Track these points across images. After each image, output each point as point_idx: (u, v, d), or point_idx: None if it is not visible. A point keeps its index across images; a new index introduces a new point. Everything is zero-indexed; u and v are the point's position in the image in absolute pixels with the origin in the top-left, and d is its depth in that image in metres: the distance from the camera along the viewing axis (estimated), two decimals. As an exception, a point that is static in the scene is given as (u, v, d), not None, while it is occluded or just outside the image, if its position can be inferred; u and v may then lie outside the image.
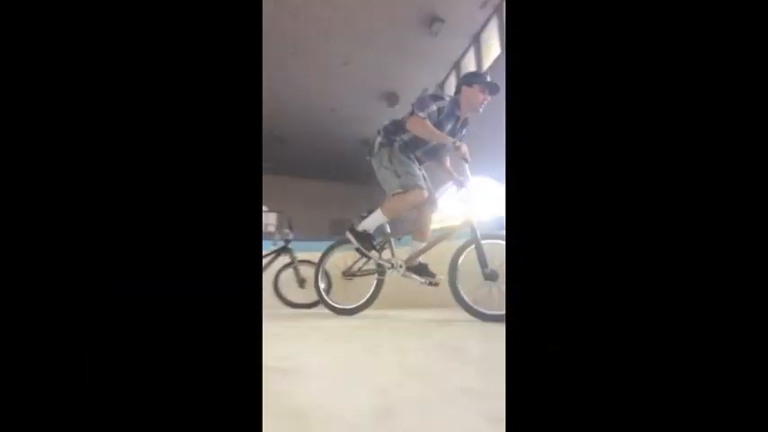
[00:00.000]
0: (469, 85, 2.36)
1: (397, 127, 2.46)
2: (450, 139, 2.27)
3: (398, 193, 2.36)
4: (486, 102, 2.36)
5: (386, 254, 2.54)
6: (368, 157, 2.46)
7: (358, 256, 2.55)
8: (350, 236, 2.47)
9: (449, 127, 2.37)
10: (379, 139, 2.47)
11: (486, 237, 2.21)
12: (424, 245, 2.46)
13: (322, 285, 2.68)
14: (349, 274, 2.62)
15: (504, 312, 2.00)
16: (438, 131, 2.31)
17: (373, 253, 2.49)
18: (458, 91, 2.42)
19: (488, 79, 2.37)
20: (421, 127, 2.29)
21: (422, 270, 2.42)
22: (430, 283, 2.38)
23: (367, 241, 2.47)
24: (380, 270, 2.49)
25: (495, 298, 2.10)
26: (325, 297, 2.66)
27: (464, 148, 2.22)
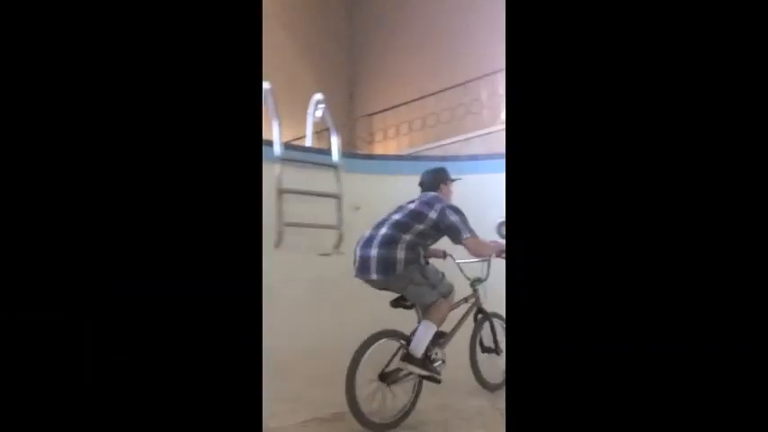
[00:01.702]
0: (445, 183, 2.60)
1: (421, 239, 2.35)
2: (502, 247, 2.43)
3: (440, 301, 2.31)
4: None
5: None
6: (378, 276, 2.26)
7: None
8: (411, 367, 2.21)
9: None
10: (402, 255, 2.26)
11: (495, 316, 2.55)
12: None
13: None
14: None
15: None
16: (495, 244, 2.48)
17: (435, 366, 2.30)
18: (437, 188, 2.57)
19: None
20: (484, 247, 2.41)
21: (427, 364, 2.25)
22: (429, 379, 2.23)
23: (430, 364, 2.25)
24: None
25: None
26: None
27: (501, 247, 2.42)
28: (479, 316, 2.58)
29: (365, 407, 2.12)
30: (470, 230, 2.33)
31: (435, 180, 2.56)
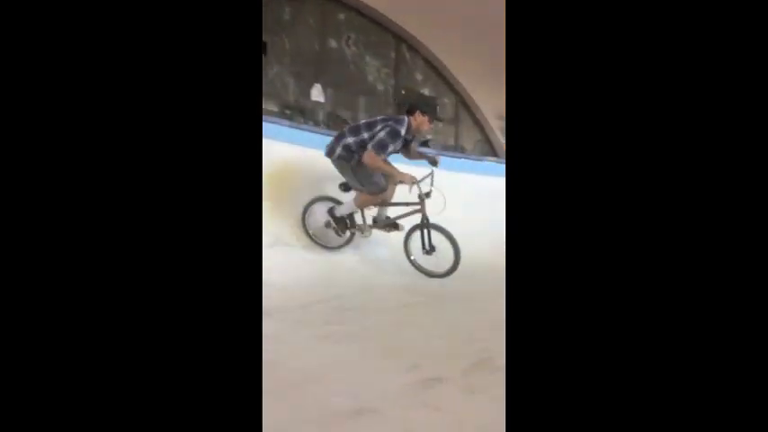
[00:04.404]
0: (422, 112, 2.87)
1: (355, 150, 2.86)
2: (400, 175, 2.83)
3: (362, 193, 2.95)
4: (430, 129, 3.25)
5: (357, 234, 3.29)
6: (326, 155, 2.94)
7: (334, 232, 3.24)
8: (330, 220, 3.15)
9: (393, 146, 2.90)
10: (338, 151, 2.89)
11: (432, 226, 3.03)
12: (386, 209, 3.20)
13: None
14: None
15: (439, 271, 3.00)
16: (388, 167, 2.85)
17: (346, 233, 3.20)
18: (410, 112, 2.89)
19: (438, 111, 3.14)
20: (374, 162, 2.79)
21: (389, 224, 3.13)
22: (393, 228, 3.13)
23: (342, 224, 3.14)
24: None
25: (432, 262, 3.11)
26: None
27: (409, 178, 2.83)
28: (424, 222, 3.05)
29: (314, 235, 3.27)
30: (376, 147, 2.75)
31: (413, 105, 2.89)
